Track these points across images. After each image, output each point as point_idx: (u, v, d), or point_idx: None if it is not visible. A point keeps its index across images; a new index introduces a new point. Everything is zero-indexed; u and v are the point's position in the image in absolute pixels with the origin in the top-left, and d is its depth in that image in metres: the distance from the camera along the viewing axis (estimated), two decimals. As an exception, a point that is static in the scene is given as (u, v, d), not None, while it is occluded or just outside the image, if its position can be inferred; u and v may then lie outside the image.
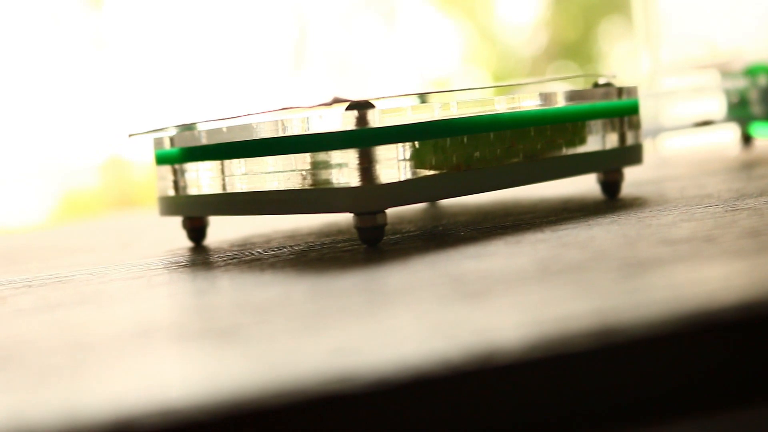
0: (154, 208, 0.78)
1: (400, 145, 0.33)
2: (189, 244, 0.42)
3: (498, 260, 0.28)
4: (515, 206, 0.43)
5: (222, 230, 0.47)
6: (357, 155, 0.32)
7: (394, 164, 0.33)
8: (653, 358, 0.19)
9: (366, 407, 0.17)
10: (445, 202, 0.50)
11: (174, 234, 0.47)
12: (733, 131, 0.64)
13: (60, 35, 1.44)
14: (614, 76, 0.42)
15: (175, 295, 0.28)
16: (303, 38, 1.55)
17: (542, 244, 0.30)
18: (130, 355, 0.21)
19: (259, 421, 0.17)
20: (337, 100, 0.32)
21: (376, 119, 0.32)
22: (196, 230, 0.40)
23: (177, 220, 0.56)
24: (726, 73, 0.58)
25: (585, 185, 0.51)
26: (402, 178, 0.33)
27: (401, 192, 0.33)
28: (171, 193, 0.39)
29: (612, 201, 0.41)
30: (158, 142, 0.40)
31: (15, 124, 1.43)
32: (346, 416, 0.17)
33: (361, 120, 0.32)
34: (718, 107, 0.57)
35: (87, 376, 0.19)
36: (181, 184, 0.39)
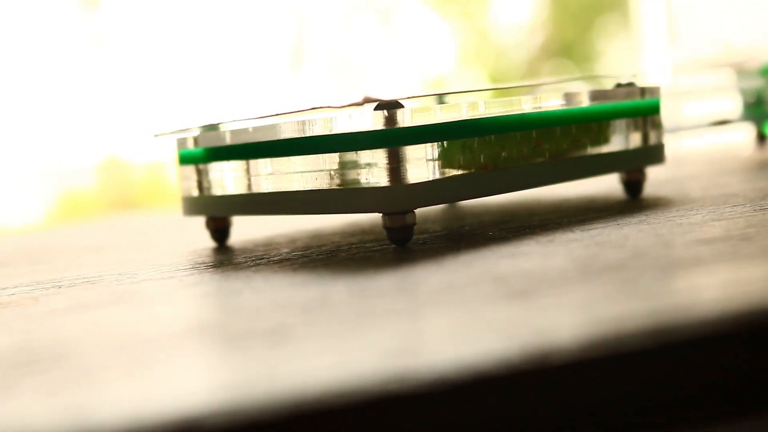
0: (156, 208, 0.77)
1: (428, 144, 0.33)
2: (212, 244, 0.42)
3: (534, 260, 0.28)
4: (538, 206, 0.43)
5: (243, 231, 0.47)
6: (386, 155, 0.32)
7: (423, 164, 0.33)
8: (709, 358, 0.19)
9: (425, 407, 0.17)
10: (465, 203, 0.50)
11: (193, 234, 0.47)
12: (749, 131, 0.64)
13: (59, 35, 1.43)
14: (635, 75, 0.42)
15: (212, 295, 0.28)
16: (302, 38, 1.55)
17: (575, 244, 0.30)
18: (183, 355, 0.21)
19: (320, 421, 0.17)
20: (368, 100, 0.32)
21: (405, 119, 0.32)
22: (219, 230, 0.40)
23: (193, 221, 0.56)
24: (742, 73, 0.58)
25: (604, 185, 0.51)
26: (431, 178, 0.33)
27: (430, 192, 0.33)
28: (195, 193, 0.39)
29: (635, 200, 0.41)
30: (182, 142, 0.40)
31: (12, 124, 1.42)
32: (406, 416, 0.17)
33: (390, 120, 0.32)
34: (734, 107, 0.57)
35: (145, 376, 0.19)
36: (205, 184, 0.39)
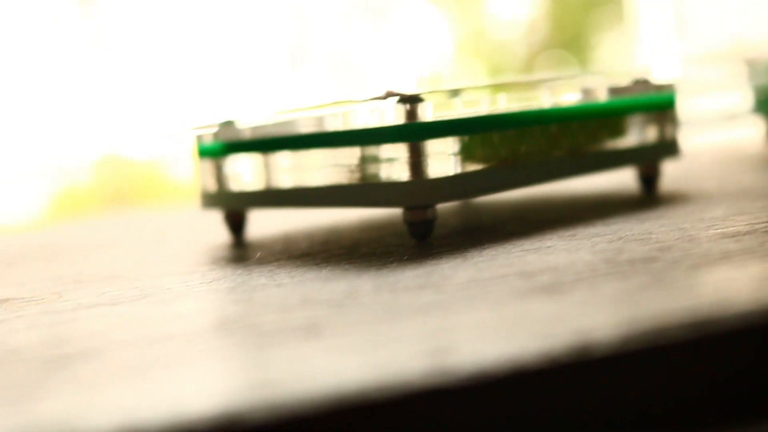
0: (155, 205, 0.77)
1: (450, 139, 0.33)
2: (227, 239, 0.42)
3: (559, 254, 0.28)
4: (553, 202, 0.43)
5: (259, 226, 0.47)
6: (407, 149, 0.32)
7: (444, 158, 0.33)
8: (747, 351, 0.19)
9: (468, 401, 0.17)
10: (478, 199, 0.50)
11: (205, 229, 0.47)
12: (758, 126, 0.64)
13: (56, 32, 1.43)
14: (649, 71, 0.42)
15: (237, 290, 0.28)
16: (300, 37, 1.55)
17: (598, 238, 0.30)
18: (217, 350, 0.21)
19: (362, 416, 0.17)
20: (390, 94, 0.32)
21: (426, 113, 0.32)
22: (236, 224, 0.40)
23: (202, 216, 0.56)
24: (752, 68, 0.58)
25: (617, 181, 0.51)
26: (452, 173, 0.33)
27: (452, 186, 0.33)
28: (213, 187, 0.39)
29: (651, 195, 0.41)
30: (200, 137, 0.40)
31: (7, 121, 1.42)
32: (448, 411, 0.17)
33: (412, 114, 0.32)
34: (744, 102, 0.57)
35: (182, 372, 0.19)
36: (224, 178, 0.39)
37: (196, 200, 0.73)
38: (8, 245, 0.51)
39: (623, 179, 0.51)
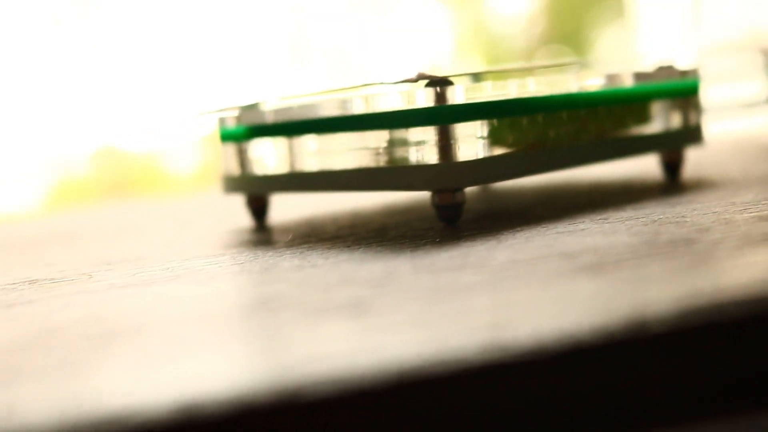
0: (158, 196, 0.77)
1: (479, 122, 0.33)
2: (249, 224, 0.41)
3: (596, 236, 0.28)
4: (577, 188, 0.43)
5: (280, 211, 0.47)
6: (436, 132, 0.32)
7: (473, 141, 0.32)
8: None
9: (525, 376, 0.17)
10: (498, 185, 0.50)
11: (225, 215, 0.47)
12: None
13: (53, 24, 1.43)
14: (674, 58, 0.42)
15: (271, 270, 0.28)
16: (300, 30, 1.54)
17: (632, 221, 0.30)
18: (268, 327, 0.20)
19: (421, 389, 0.17)
20: (422, 77, 0.32)
21: (455, 96, 0.32)
22: (260, 209, 0.40)
23: (215, 203, 0.56)
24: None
25: (637, 168, 0.51)
26: (481, 156, 0.33)
27: (480, 170, 0.33)
28: (236, 171, 0.39)
29: (675, 182, 0.41)
30: (223, 121, 0.39)
31: (3, 113, 1.42)
32: (505, 386, 0.17)
33: (441, 97, 0.32)
34: (761, 90, 0.57)
35: (235, 348, 0.19)
36: (247, 162, 0.38)
37: (218, 185, 0.72)
38: (22, 231, 0.51)
39: (644, 167, 0.51)
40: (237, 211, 0.49)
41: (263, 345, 0.19)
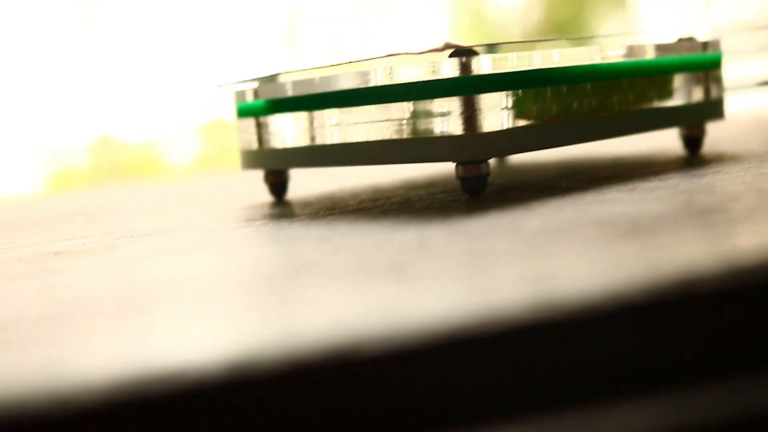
0: (160, 182, 0.77)
1: (504, 93, 0.32)
2: (268, 199, 0.41)
3: (626, 205, 0.27)
4: (598, 162, 0.43)
5: (298, 187, 0.46)
6: (462, 103, 0.32)
7: (498, 113, 0.32)
8: None
9: (573, 335, 0.17)
10: (515, 159, 0.49)
11: (242, 192, 0.47)
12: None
13: (50, 13, 1.42)
14: (695, 31, 0.41)
15: (300, 239, 0.27)
16: (296, 18, 1.54)
17: (660, 192, 0.30)
18: (312, 287, 0.20)
19: (471, 348, 0.17)
20: (448, 45, 0.31)
21: (480, 66, 0.32)
22: (279, 185, 0.40)
23: (230, 184, 0.56)
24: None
25: (654, 144, 0.51)
26: (506, 127, 0.32)
27: (505, 141, 0.32)
28: (254, 146, 0.39)
29: (696, 156, 0.40)
30: (240, 95, 0.39)
31: (3, 102, 1.41)
32: (554, 344, 0.17)
33: (466, 67, 0.32)
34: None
35: (287, 310, 0.19)
36: (265, 136, 0.38)
37: (217, 172, 0.72)
38: (32, 210, 0.50)
39: (663, 143, 0.51)
40: (252, 191, 0.48)
41: (308, 305, 0.19)
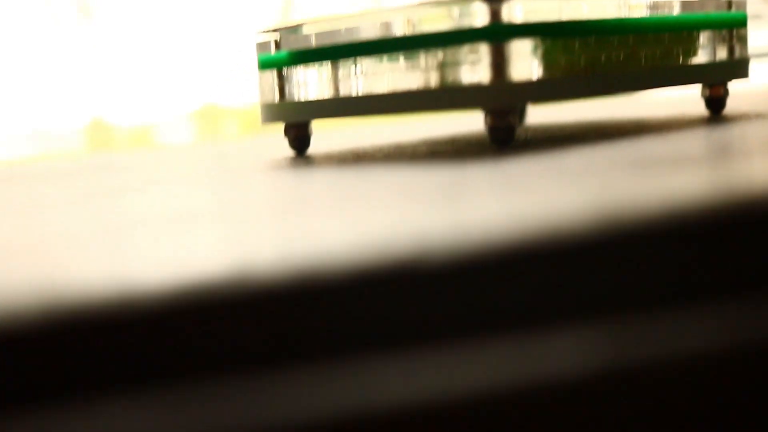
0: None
1: (533, 41, 0.32)
2: (290, 155, 0.41)
3: (657, 147, 0.27)
4: (619, 120, 0.42)
5: (315, 144, 0.46)
6: (491, 50, 0.31)
7: (527, 61, 0.32)
8: None
9: (638, 252, 0.17)
10: (535, 120, 0.49)
11: (258, 155, 0.47)
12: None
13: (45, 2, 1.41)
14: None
15: (331, 177, 0.27)
16: (287, 7, 1.53)
17: (690, 139, 0.29)
18: (370, 209, 0.20)
19: (510, 266, 0.16)
20: (480, -9, 0.31)
21: (510, 14, 0.32)
22: (300, 139, 0.39)
23: (240, 151, 0.55)
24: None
25: (673, 105, 0.51)
26: (535, 76, 0.32)
27: (534, 90, 0.32)
28: (276, 99, 0.38)
29: (719, 116, 0.40)
30: (262, 46, 0.39)
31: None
32: (617, 261, 0.17)
33: (495, 15, 0.31)
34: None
35: (359, 217, 0.18)
36: (288, 89, 0.38)
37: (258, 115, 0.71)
38: (61, 163, 0.50)
39: (682, 104, 0.50)
40: (267, 153, 0.48)
41: (368, 222, 0.18)
